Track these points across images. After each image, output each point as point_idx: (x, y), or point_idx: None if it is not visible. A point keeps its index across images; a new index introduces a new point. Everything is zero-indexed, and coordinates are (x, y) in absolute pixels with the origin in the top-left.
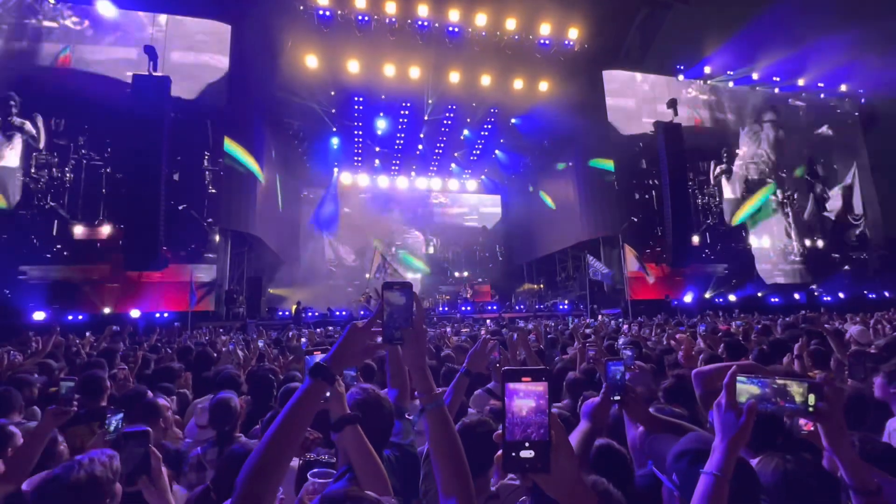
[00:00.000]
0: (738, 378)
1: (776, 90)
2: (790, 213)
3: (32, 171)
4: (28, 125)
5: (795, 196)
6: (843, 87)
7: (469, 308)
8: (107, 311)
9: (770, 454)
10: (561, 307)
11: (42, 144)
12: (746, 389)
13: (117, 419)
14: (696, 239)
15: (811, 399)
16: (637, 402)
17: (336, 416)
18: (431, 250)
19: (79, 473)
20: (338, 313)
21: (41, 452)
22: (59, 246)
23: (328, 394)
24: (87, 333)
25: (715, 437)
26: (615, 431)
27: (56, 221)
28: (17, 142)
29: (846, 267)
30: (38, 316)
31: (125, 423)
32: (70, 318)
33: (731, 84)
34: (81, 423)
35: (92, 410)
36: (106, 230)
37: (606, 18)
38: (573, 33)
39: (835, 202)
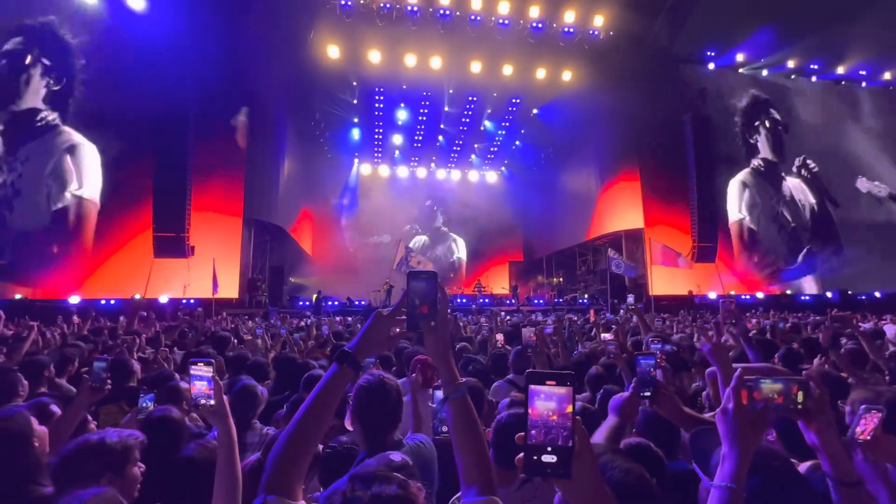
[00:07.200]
0: (745, 379)
1: (813, 78)
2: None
3: None
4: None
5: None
6: (887, 76)
7: (487, 301)
8: (137, 297)
9: None
10: (581, 301)
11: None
12: (763, 389)
13: (149, 400)
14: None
15: (800, 397)
16: (669, 398)
17: None
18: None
19: (112, 438)
20: (357, 303)
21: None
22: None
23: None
24: (121, 318)
25: (723, 445)
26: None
27: None
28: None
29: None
30: (74, 300)
31: (154, 405)
32: (103, 301)
33: (764, 72)
34: (111, 402)
35: (122, 389)
36: (136, 216)
37: (634, 3)
38: (598, 20)
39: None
